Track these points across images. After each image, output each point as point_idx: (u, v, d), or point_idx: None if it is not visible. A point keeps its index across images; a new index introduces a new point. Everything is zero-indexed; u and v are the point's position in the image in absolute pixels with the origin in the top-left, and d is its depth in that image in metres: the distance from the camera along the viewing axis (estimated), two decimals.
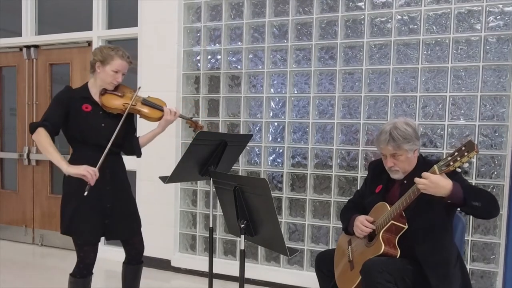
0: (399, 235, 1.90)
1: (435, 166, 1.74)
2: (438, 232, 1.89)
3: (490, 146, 2.72)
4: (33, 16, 4.20)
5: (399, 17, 2.89)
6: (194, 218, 3.54)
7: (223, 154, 2.25)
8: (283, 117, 3.21)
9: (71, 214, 2.12)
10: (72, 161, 2.09)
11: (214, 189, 2.01)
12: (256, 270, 3.24)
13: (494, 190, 2.69)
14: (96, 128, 2.16)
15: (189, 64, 3.52)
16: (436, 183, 1.70)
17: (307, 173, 3.14)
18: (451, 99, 2.77)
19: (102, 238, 2.27)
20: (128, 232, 2.31)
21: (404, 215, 1.90)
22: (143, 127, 2.47)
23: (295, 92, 3.19)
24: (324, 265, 2.17)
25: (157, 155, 3.32)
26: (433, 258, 1.84)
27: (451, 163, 1.68)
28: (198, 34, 3.47)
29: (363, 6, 2.96)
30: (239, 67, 3.35)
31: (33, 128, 2.04)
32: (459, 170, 1.71)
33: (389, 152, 1.96)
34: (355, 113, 3.01)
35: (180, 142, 3.50)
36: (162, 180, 2.28)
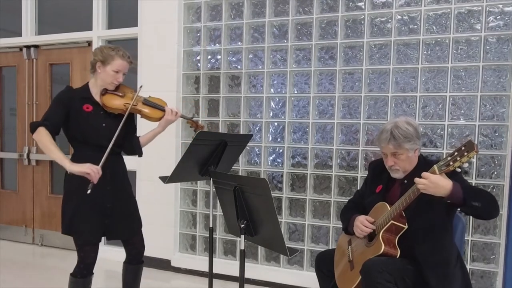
0: (399, 235, 1.90)
1: (435, 166, 1.74)
2: (438, 232, 1.89)
3: (490, 146, 2.72)
4: (33, 16, 4.20)
5: (399, 17, 2.89)
6: (194, 218, 3.54)
7: (223, 154, 2.25)
8: (283, 117, 3.21)
9: (71, 213, 2.13)
10: (73, 161, 2.08)
11: (214, 189, 2.01)
12: (256, 270, 3.24)
13: (494, 190, 2.69)
14: (97, 128, 2.17)
15: (189, 64, 3.52)
16: (436, 183, 1.70)
17: (307, 173, 3.14)
18: (451, 99, 2.77)
19: (103, 238, 2.27)
20: (128, 232, 2.31)
21: (404, 215, 1.90)
22: (143, 127, 2.47)
23: (295, 92, 3.19)
24: (324, 265, 2.17)
25: (157, 155, 3.32)
26: (433, 258, 1.84)
27: (451, 163, 1.68)
28: (198, 34, 3.47)
29: (363, 6, 2.96)
30: (239, 67, 3.35)
31: (33, 127, 2.05)
32: (459, 170, 1.71)
33: (390, 151, 1.96)
34: (355, 113, 3.01)
35: (180, 142, 3.51)
36: (162, 180, 2.28)
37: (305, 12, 3.13)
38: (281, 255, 3.23)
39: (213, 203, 2.38)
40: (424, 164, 1.96)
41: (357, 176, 3.00)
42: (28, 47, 4.20)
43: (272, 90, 3.27)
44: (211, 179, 2.14)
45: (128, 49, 2.27)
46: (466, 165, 1.67)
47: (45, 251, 4.14)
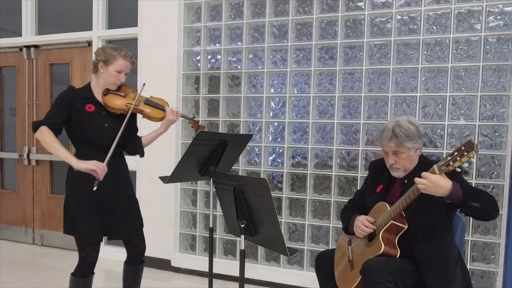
0: (399, 235, 1.90)
1: (435, 166, 1.74)
2: (438, 232, 1.89)
3: (490, 146, 2.72)
4: (33, 16, 4.20)
5: (399, 17, 2.89)
6: (194, 218, 3.54)
7: (223, 154, 2.25)
8: (283, 117, 3.21)
9: (73, 213, 2.13)
10: None
11: (214, 189, 2.01)
12: (256, 270, 3.24)
13: (494, 190, 2.69)
14: (99, 128, 2.17)
15: (189, 64, 3.52)
16: (436, 183, 1.70)
17: (307, 173, 3.14)
18: (451, 99, 2.77)
19: (104, 238, 2.27)
20: (128, 232, 2.31)
21: (404, 215, 1.90)
22: (145, 127, 2.47)
23: (295, 92, 3.19)
24: (324, 265, 2.17)
25: (157, 155, 3.32)
26: (433, 258, 1.84)
27: (451, 163, 1.68)
28: (198, 34, 3.47)
29: (363, 6, 2.96)
30: (239, 67, 3.35)
31: (35, 126, 2.05)
32: (459, 170, 1.71)
33: (391, 149, 1.96)
34: (355, 113, 3.02)
35: (180, 142, 3.51)
36: (162, 180, 2.28)
37: (305, 12, 3.13)
38: (281, 255, 3.23)
39: (213, 203, 2.38)
40: (424, 164, 1.96)
41: (357, 176, 3.00)
42: (28, 47, 4.20)
43: (272, 90, 3.27)
44: (211, 179, 2.14)
45: (128, 49, 2.27)
46: (466, 165, 1.67)
47: (45, 251, 4.14)
